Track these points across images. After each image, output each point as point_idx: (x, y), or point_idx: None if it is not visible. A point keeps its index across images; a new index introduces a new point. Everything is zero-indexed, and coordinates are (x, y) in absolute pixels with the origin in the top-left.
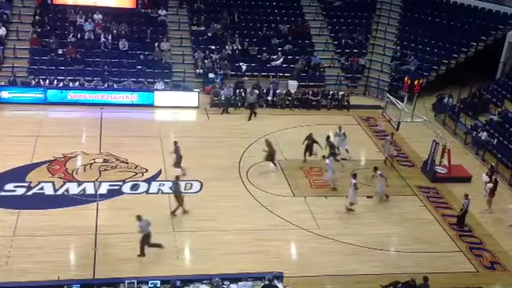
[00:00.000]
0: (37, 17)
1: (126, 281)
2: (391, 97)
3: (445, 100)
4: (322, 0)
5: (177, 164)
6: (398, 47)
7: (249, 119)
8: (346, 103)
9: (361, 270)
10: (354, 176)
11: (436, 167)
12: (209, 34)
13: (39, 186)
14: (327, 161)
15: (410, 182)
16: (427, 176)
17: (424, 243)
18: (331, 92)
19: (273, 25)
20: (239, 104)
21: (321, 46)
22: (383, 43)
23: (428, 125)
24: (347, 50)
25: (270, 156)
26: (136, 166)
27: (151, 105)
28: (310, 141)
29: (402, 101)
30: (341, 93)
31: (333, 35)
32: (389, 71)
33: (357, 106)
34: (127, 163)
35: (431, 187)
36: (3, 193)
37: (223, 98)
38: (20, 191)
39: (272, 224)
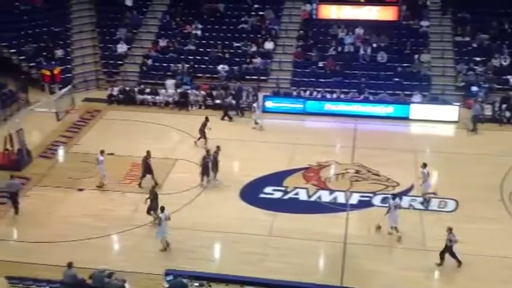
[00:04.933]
0: (301, 32)
1: None
2: None
3: None
4: None
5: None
6: None
7: None
8: None
9: None
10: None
11: None
12: (474, 45)
13: (295, 192)
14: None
15: None
16: None
17: None
18: None
19: None
20: (504, 120)
21: None
22: None
23: None
24: None
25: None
26: (388, 179)
27: (406, 118)
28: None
29: None
30: None
31: None
32: None
33: None
34: (378, 175)
35: None
36: (262, 195)
37: (473, 114)
38: (278, 195)
39: None
